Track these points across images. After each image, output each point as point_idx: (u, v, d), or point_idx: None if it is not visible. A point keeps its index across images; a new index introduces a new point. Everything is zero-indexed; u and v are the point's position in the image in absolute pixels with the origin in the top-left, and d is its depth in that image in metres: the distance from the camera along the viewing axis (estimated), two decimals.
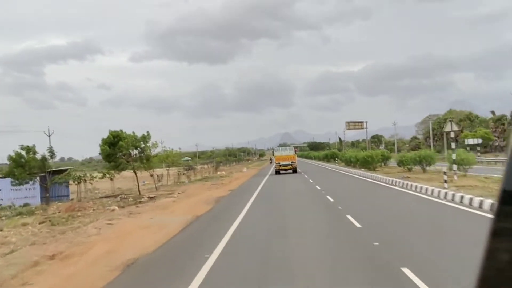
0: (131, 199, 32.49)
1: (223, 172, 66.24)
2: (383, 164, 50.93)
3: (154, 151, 40.09)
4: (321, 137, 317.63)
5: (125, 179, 48.12)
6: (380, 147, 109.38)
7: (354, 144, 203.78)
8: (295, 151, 56.34)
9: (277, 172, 52.62)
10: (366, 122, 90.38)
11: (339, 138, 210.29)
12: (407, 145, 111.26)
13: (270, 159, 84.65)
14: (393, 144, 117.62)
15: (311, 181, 37.99)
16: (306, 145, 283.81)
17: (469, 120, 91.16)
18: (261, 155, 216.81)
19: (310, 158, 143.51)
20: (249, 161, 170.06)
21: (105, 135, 37.76)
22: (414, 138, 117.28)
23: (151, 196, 33.22)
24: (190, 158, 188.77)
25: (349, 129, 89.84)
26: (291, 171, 52.28)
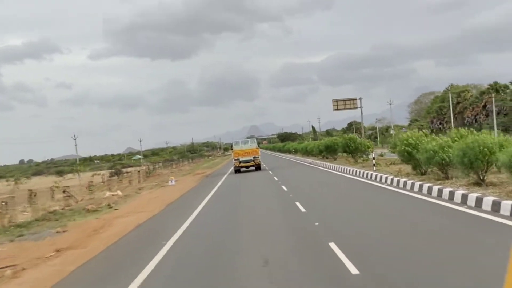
0: None
1: (117, 193, 30.50)
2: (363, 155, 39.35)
3: None
4: (288, 128, 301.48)
5: None
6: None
7: (329, 133, 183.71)
8: (260, 143, 55.37)
9: (237, 170, 43.72)
10: (360, 99, 68.33)
11: (313, 127, 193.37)
12: (403, 129, 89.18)
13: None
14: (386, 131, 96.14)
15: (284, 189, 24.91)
16: (275, 136, 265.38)
17: (495, 92, 69.83)
18: (226, 149, 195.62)
19: (286, 151, 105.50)
20: (211, 157, 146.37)
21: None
22: (415, 120, 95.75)
23: None
24: (141, 157, 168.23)
25: (337, 109, 67.61)
26: (253, 168, 44.05)
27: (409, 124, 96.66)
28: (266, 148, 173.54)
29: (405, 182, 19.30)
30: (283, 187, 25.05)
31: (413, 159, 21.20)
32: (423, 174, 20.85)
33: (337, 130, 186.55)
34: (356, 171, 29.20)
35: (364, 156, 36.91)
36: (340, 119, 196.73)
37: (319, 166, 42.80)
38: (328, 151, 47.12)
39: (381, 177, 23.16)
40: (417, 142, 21.03)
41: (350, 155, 39.23)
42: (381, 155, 41.30)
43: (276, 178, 31.82)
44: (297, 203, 17.28)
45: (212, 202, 21.71)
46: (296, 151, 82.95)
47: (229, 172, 47.30)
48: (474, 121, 72.90)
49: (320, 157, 52.35)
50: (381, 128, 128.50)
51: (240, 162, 43.20)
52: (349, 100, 68.30)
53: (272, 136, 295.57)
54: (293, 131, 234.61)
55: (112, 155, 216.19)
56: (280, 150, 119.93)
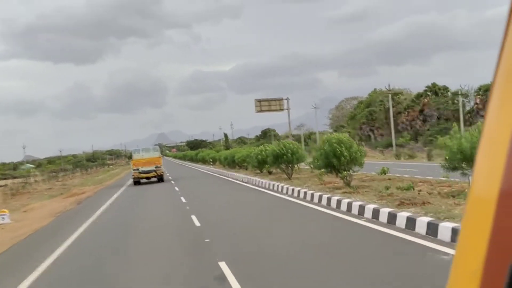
0: None
1: None
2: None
3: None
4: (197, 136, 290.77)
5: None
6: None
7: (242, 140, 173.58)
8: (169, 151, 46.57)
9: (136, 182, 39.35)
10: (288, 99, 57.98)
11: (225, 135, 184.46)
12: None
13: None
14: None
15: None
16: (184, 144, 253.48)
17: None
18: (130, 157, 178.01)
19: (200, 160, 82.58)
20: (112, 166, 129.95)
21: None
22: (341, 126, 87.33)
23: None
24: (32, 166, 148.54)
25: (261, 111, 56.79)
26: (155, 179, 39.64)
27: (334, 131, 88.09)
28: (175, 157, 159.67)
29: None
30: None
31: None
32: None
33: (249, 138, 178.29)
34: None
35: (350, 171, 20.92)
36: (249, 128, 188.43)
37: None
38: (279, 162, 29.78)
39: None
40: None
41: (334, 171, 21.31)
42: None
43: (184, 200, 23.60)
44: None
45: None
46: (214, 161, 63.11)
47: (128, 184, 42.29)
48: (409, 127, 65.14)
49: (258, 171, 35.66)
50: (300, 135, 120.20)
51: (140, 173, 38.75)
52: (275, 100, 57.88)
53: (181, 144, 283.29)
54: (203, 139, 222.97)
55: (3, 164, 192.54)
56: (192, 159, 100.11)
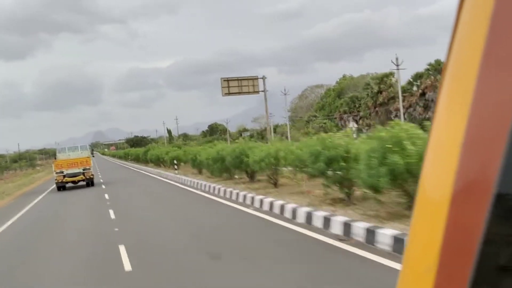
0: None
1: None
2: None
3: None
4: (137, 133, 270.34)
5: None
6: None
7: (187, 137, 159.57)
8: (93, 150, 40.93)
9: (60, 187, 33.98)
10: (264, 78, 45.36)
11: (168, 130, 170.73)
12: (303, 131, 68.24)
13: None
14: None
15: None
16: (123, 141, 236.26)
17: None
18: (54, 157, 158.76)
19: (149, 160, 58.08)
20: (39, 168, 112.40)
21: None
22: (313, 116, 75.45)
23: None
24: None
25: (228, 93, 43.82)
26: (83, 183, 34.21)
27: (307, 122, 75.82)
28: (114, 156, 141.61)
29: None
30: None
31: None
32: None
33: (192, 135, 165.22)
34: None
35: None
36: (190, 124, 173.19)
37: None
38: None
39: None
40: None
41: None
42: None
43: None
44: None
45: None
46: (178, 163, 37.66)
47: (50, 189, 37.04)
48: (405, 115, 53.92)
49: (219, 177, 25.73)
50: (256, 130, 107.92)
51: (64, 176, 33.93)
52: (247, 79, 45.07)
53: (119, 141, 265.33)
54: (144, 135, 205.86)
55: None
56: (138, 160, 70.12)
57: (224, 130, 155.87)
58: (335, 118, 68.07)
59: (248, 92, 44.73)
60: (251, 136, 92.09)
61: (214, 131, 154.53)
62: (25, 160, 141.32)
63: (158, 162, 51.08)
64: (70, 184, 34.26)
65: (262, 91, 44.72)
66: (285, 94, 75.44)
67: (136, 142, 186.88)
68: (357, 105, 62.72)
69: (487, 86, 0.66)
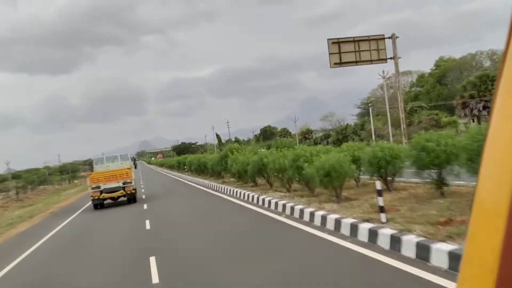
0: None
1: None
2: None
3: None
4: (182, 141, 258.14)
5: None
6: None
7: (239, 141, 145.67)
8: (135, 161, 33.80)
9: (97, 205, 29.31)
10: (394, 37, 29.77)
11: (217, 135, 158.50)
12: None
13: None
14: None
15: None
16: (169, 149, 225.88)
17: None
18: (91, 168, 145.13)
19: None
20: (77, 181, 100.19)
21: None
22: (418, 108, 59.18)
23: None
24: None
25: (340, 63, 28.83)
26: (124, 198, 29.38)
27: (409, 114, 59.21)
28: (163, 165, 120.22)
29: None
30: None
31: None
32: None
33: (240, 140, 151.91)
34: None
35: None
36: (232, 131, 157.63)
37: None
38: None
39: None
40: None
41: None
42: None
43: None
44: None
45: None
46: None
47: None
48: None
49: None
50: (325, 130, 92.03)
51: (101, 192, 28.68)
52: (367, 40, 29.37)
53: (165, 149, 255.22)
54: (192, 141, 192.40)
55: None
56: (201, 171, 45.88)
57: (282, 133, 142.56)
58: (456, 106, 51.58)
59: (371, 61, 29.39)
60: (325, 138, 75.81)
61: (268, 135, 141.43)
62: (66, 173, 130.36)
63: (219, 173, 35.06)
64: (108, 201, 30.01)
65: (391, 58, 29.45)
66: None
67: (184, 149, 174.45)
68: (488, 88, 45.85)
69: None
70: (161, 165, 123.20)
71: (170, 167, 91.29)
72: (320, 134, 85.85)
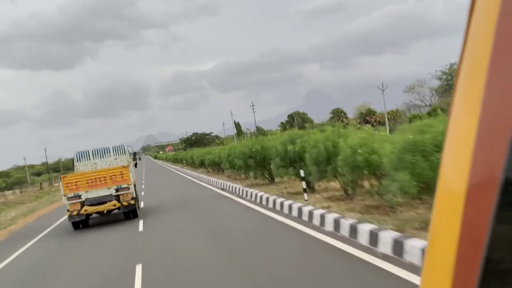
0: None
1: None
2: None
3: None
4: (187, 135, 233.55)
5: None
6: None
7: (261, 132, 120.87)
8: (135, 155, 24.02)
9: (77, 223, 18.81)
10: None
11: (237, 124, 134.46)
12: None
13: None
14: None
15: None
16: (177, 141, 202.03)
17: None
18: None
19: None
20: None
21: None
22: None
23: None
24: None
25: None
26: (118, 211, 19.12)
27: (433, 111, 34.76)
28: (176, 161, 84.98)
29: None
30: None
31: None
32: None
33: (264, 129, 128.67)
34: None
35: None
36: (242, 122, 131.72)
37: None
38: None
39: None
40: None
41: None
42: None
43: None
44: None
45: None
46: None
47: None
48: None
49: None
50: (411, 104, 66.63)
51: (83, 204, 18.39)
52: None
53: (174, 142, 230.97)
54: (207, 132, 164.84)
55: None
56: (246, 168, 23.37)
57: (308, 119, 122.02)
58: None
59: None
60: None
61: (299, 122, 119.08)
62: (54, 171, 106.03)
63: None
64: (95, 215, 19.50)
65: None
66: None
67: (196, 140, 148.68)
68: None
69: (497, 84, 0.66)
70: (174, 160, 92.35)
71: (187, 163, 63.29)
72: (426, 109, 60.63)
